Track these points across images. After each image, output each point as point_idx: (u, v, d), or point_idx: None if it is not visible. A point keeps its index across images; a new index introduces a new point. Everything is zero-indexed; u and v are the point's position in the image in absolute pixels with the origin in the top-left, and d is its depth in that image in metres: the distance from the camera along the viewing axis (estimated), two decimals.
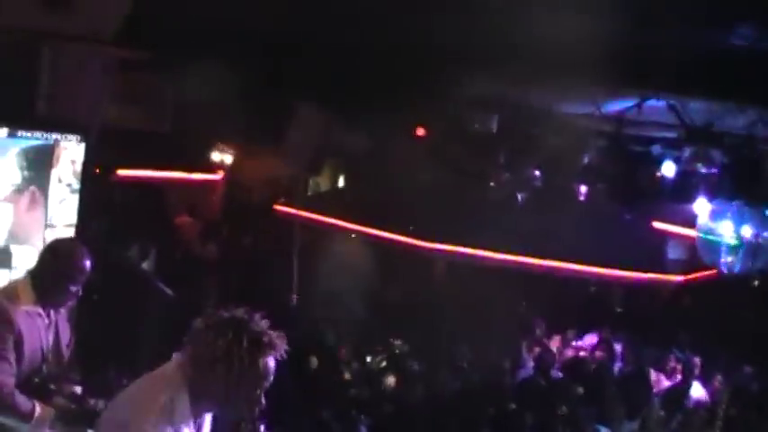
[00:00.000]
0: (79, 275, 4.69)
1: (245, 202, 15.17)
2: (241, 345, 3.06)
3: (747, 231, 10.44)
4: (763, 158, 10.31)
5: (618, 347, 12.13)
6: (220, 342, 3.06)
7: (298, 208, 13.90)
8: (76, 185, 7.12)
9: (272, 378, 3.13)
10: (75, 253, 4.72)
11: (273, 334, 3.13)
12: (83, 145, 7.19)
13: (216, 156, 14.46)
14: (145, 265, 10.37)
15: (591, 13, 7.55)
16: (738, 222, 10.45)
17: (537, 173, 11.22)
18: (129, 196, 12.35)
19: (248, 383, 3.10)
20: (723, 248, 10.60)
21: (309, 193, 15.52)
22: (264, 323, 3.14)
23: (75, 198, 7.10)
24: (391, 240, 13.19)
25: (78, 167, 7.16)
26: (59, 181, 7.06)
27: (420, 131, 11.62)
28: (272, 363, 3.13)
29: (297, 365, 9.59)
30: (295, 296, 9.01)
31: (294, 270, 8.99)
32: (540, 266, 11.89)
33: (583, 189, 11.63)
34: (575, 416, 9.73)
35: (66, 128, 7.08)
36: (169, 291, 7.95)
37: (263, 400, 3.15)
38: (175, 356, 3.25)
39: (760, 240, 10.46)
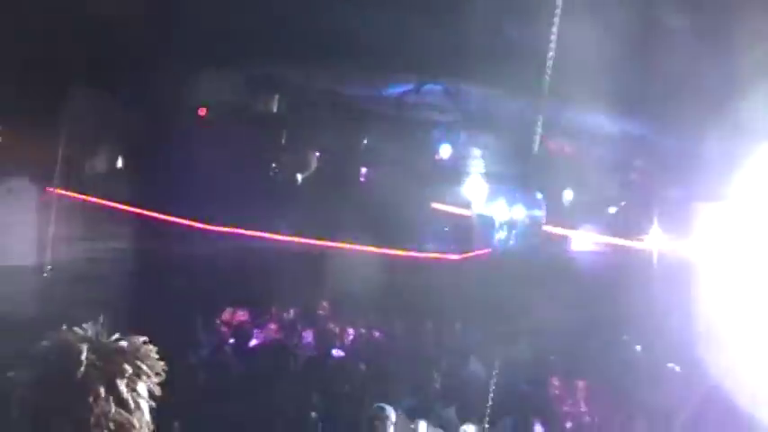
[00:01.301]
0: None
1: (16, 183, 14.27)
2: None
3: (519, 212, 10.88)
4: (533, 142, 10.78)
5: (399, 327, 12.41)
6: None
7: (73, 190, 13.28)
8: None
9: None
10: None
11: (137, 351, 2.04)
12: None
13: None
14: None
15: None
16: (511, 203, 10.87)
17: (318, 154, 11.25)
18: None
19: None
20: (496, 228, 10.99)
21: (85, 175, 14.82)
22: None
23: None
24: (173, 223, 12.88)
25: None
26: None
27: (201, 112, 11.36)
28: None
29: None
30: (48, 268, 8.41)
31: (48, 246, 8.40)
32: (322, 248, 11.94)
33: (363, 171, 11.77)
34: (358, 394, 9.87)
35: None
36: None
37: None
38: None
39: (530, 220, 10.92)
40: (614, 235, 12.48)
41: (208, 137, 11.43)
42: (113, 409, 1.93)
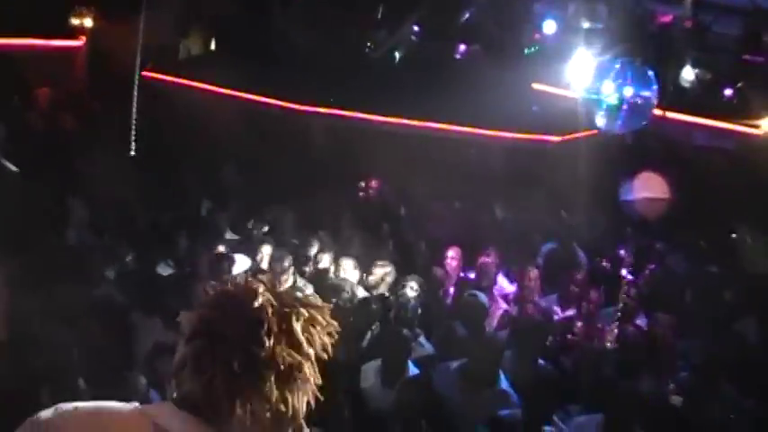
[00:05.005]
0: None
1: (110, 69, 14.21)
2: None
3: (628, 91, 10.27)
4: (648, 14, 10.09)
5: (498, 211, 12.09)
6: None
7: (168, 74, 13.19)
8: None
9: None
10: None
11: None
12: None
13: (75, 20, 13.46)
14: None
15: None
16: (620, 81, 10.26)
17: (416, 28, 10.76)
18: None
19: None
20: (604, 108, 10.43)
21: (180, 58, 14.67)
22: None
23: None
24: (269, 105, 12.72)
25: None
26: None
27: None
28: None
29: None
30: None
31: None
32: (419, 128, 11.62)
33: (461, 48, 11.25)
34: None
35: None
36: (13, 167, 7.21)
37: None
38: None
39: (639, 100, 10.32)
40: (729, 120, 11.78)
41: (300, 15, 11.11)
42: (285, 349, 1.97)
